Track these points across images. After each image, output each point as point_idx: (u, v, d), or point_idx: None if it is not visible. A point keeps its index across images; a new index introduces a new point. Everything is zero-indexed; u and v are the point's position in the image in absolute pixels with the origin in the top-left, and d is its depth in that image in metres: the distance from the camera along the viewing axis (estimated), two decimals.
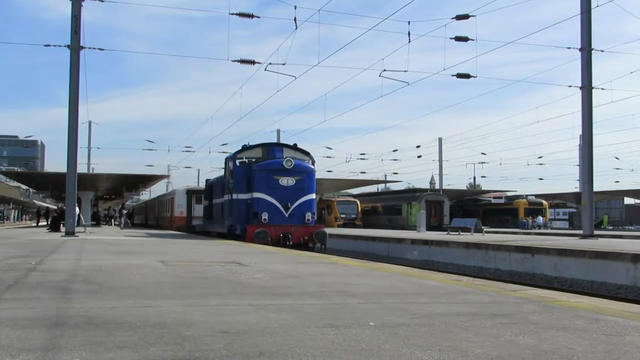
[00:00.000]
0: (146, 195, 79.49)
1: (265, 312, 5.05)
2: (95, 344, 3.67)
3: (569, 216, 71.19)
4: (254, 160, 23.11)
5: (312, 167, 22.75)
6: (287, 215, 21.66)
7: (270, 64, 23.66)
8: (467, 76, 24.80)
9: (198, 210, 43.70)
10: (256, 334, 4.09)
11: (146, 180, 53.43)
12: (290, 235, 21.21)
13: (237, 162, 23.26)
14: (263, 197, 21.69)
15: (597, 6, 23.91)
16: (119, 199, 61.39)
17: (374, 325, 4.48)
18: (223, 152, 57.40)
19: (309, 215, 21.92)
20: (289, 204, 21.66)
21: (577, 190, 54.95)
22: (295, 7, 21.34)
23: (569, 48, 25.71)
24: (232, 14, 22.11)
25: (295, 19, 21.33)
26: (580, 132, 25.80)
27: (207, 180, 32.76)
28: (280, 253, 13.97)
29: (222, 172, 32.15)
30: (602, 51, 26.40)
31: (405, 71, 24.66)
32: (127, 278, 7.76)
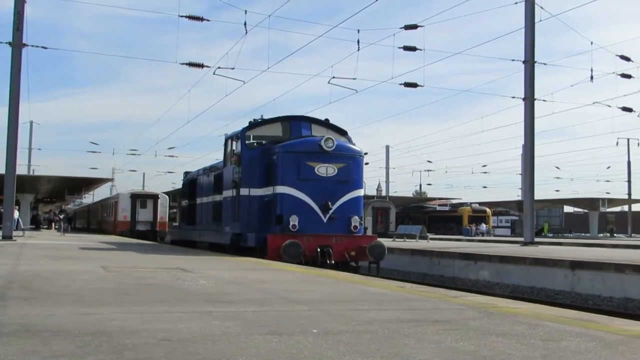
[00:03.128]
0: (89, 198, 77.77)
1: (209, 319, 4.99)
2: (30, 353, 3.56)
3: (511, 224, 72.83)
4: (272, 140, 16.44)
5: (359, 150, 16.13)
6: (325, 219, 15.00)
7: (219, 67, 23.44)
8: (414, 85, 25.15)
9: (143, 214, 43.02)
10: (198, 341, 4.04)
11: (89, 183, 52.27)
12: (330, 250, 14.51)
13: (247, 142, 16.35)
14: (291, 192, 15.00)
15: (540, 20, 24.63)
16: (60, 202, 59.86)
17: (316, 332, 4.48)
18: (169, 156, 56.59)
19: (356, 221, 15.26)
20: (329, 203, 14.91)
21: (520, 198, 56.26)
22: (246, 11, 21.28)
23: (513, 60, 26.41)
24: (182, 16, 21.88)
25: (245, 24, 21.23)
26: (523, 142, 26.47)
27: (186, 174, 25.41)
28: (225, 259, 13.85)
29: (191, 169, 25.46)
30: (544, 64, 27.21)
31: (354, 79, 24.72)
32: (67, 284, 7.56)
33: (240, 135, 16.47)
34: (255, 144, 16.39)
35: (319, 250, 14.35)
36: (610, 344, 4.29)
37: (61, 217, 42.03)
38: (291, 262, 13.11)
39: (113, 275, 9.02)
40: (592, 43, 24.75)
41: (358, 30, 22.48)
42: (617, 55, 25.21)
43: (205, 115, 72.46)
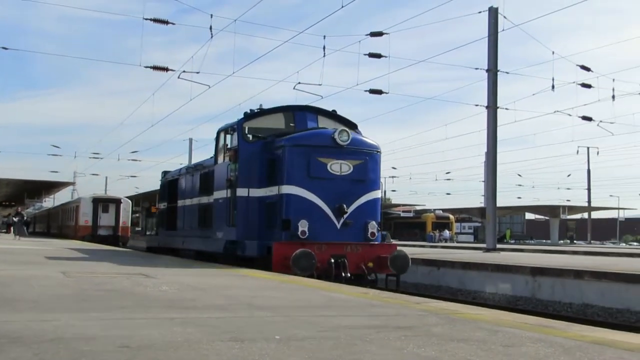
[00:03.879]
0: (50, 202, 76.35)
1: (170, 325, 4.93)
2: None
3: (474, 230, 73.78)
4: (275, 133, 14.41)
5: (376, 144, 13.98)
6: (338, 225, 12.98)
7: (184, 71, 23.28)
8: (379, 92, 25.30)
9: (105, 219, 42.41)
10: (159, 348, 3.98)
11: (50, 186, 51.37)
12: (345, 261, 12.46)
13: (245, 135, 14.23)
14: (300, 193, 12.92)
15: (503, 30, 25.00)
16: (20, 205, 58.67)
17: (279, 338, 4.46)
18: (132, 160, 55.99)
19: (373, 227, 13.28)
20: (344, 206, 12.89)
21: (482, 205, 57.02)
22: (212, 15, 21.14)
23: (476, 69, 26.76)
24: (147, 19, 21.66)
25: (210, 28, 21.10)
26: (486, 150, 26.85)
27: (164, 174, 22.85)
28: (184, 263, 13.73)
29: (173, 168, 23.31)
30: (507, 73, 27.57)
31: (320, 85, 24.75)
32: (25, 290, 7.40)
33: (237, 128, 14.24)
34: (254, 137, 14.27)
35: (332, 260, 12.33)
36: (569, 349, 4.36)
37: (16, 219, 38.36)
38: (302, 275, 11.26)
39: (73, 280, 8.86)
40: (553, 53, 25.21)
41: (324, 37, 22.51)
42: (577, 65, 25.73)
43: (170, 119, 71.98)
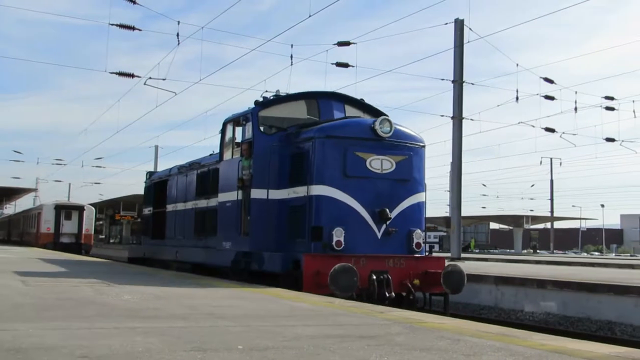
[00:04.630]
0: (11, 209, 74.85)
1: (131, 335, 4.86)
2: None
3: (439, 239, 74.37)
4: (297, 122, 12.36)
5: (421, 138, 11.86)
6: (379, 234, 10.90)
7: (150, 78, 23.08)
8: None
9: (67, 226, 41.71)
10: (119, 358, 3.92)
11: (11, 193, 50.40)
12: (389, 278, 10.45)
13: (261, 126, 12.07)
14: (334, 194, 10.78)
15: (469, 41, 25.35)
16: None
17: (242, 348, 4.43)
18: (97, 167, 55.23)
19: (419, 236, 11.32)
20: (387, 210, 10.82)
21: (447, 214, 57.53)
22: (179, 22, 21.02)
23: (442, 80, 27.08)
24: (112, 24, 21.44)
25: (178, 35, 20.98)
26: (451, 160, 27.14)
27: (150, 175, 20.53)
28: (149, 273, 13.56)
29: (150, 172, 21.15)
30: (472, 84, 27.98)
31: (287, 94, 24.76)
32: None
33: (252, 117, 12.01)
34: (273, 128, 12.22)
35: (374, 277, 10.27)
36: (529, 358, 4.42)
37: None
38: (342, 295, 9.34)
39: (32, 289, 8.68)
40: (517, 65, 25.66)
41: (291, 45, 22.55)
42: (541, 77, 26.22)
43: (135, 126, 71.22)
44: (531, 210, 70.99)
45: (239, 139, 12.69)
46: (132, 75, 22.96)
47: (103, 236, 73.84)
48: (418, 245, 11.26)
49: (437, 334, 5.49)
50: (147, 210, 19.77)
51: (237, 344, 4.61)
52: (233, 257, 12.21)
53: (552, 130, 29.76)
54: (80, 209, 42.97)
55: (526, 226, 68.15)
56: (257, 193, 11.72)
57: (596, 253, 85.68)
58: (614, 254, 79.04)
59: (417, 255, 11.21)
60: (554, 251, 68.49)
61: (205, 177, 14.74)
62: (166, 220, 17.42)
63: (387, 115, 12.05)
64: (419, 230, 11.32)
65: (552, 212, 69.05)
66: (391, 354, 4.40)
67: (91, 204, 47.22)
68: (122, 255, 40.99)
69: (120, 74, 22.88)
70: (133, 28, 21.81)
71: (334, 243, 10.48)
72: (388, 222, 10.87)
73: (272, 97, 12.88)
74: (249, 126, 12.17)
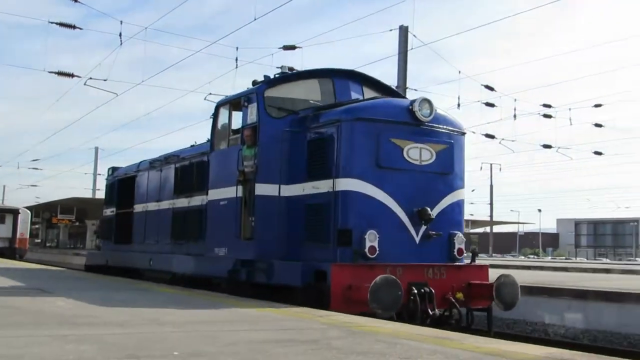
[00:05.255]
0: None
1: (64, 343, 4.74)
2: None
3: None
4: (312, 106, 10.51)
5: (461, 124, 10.12)
6: (417, 238, 9.17)
7: (90, 78, 22.57)
8: None
9: (1, 230, 40.30)
10: None
11: None
12: (431, 292, 8.73)
13: (267, 108, 10.14)
14: (365, 190, 8.97)
15: (412, 48, 25.67)
16: None
17: (177, 354, 4.38)
18: (33, 169, 53.68)
19: (461, 241, 9.61)
20: (428, 210, 9.10)
21: None
22: (122, 22, 20.63)
23: None
24: (52, 22, 20.87)
25: (120, 35, 20.58)
26: None
27: (112, 170, 17.79)
28: (88, 279, 13.25)
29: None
30: (416, 90, 28.31)
31: None
32: None
33: (256, 97, 10.12)
34: (282, 111, 10.30)
35: (415, 291, 8.51)
36: None
37: None
38: (384, 314, 7.78)
39: None
40: (460, 72, 26.13)
41: (236, 48, 22.40)
42: (482, 84, 26.77)
43: (75, 127, 69.50)
44: (471, 215, 72.48)
45: (237, 125, 10.87)
46: (71, 75, 22.38)
47: (39, 240, 71.72)
48: (460, 251, 9.56)
49: (374, 337, 5.55)
50: (109, 211, 17.31)
51: (175, 349, 4.55)
52: (230, 266, 10.13)
53: (491, 137, 30.46)
54: (14, 212, 41.59)
55: (466, 230, 69.46)
56: (263, 189, 9.83)
57: (532, 256, 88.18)
58: (550, 257, 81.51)
59: (459, 264, 9.52)
60: (493, 255, 70.11)
61: (187, 171, 12.75)
62: (134, 223, 15.24)
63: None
64: (460, 234, 9.64)
65: (491, 216, 70.63)
66: (329, 358, 4.43)
67: (27, 207, 45.78)
68: (65, 261, 39.95)
69: (60, 73, 22.29)
70: (74, 27, 21.28)
71: (366, 250, 8.60)
72: (429, 224, 9.14)
73: (282, 75, 10.99)
74: (252, 108, 10.22)
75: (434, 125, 9.49)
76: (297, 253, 9.50)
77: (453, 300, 8.95)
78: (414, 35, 25.26)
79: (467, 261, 9.82)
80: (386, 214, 8.99)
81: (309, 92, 10.89)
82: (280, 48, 23.57)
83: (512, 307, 9.36)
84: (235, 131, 10.90)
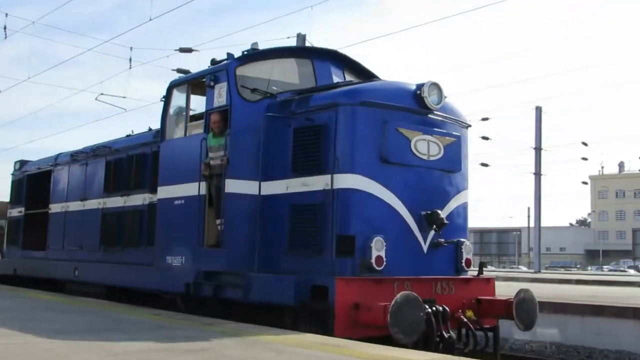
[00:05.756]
0: None
1: None
2: None
3: None
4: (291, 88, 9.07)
5: (464, 115, 8.88)
6: (425, 246, 7.82)
7: None
8: None
9: None
10: None
11: None
12: (445, 310, 7.35)
13: (238, 88, 8.52)
14: (369, 188, 7.52)
15: None
16: None
17: None
18: None
19: (468, 250, 8.28)
20: (439, 213, 7.80)
21: None
22: (7, 14, 19.51)
23: None
24: None
25: (5, 28, 19.45)
26: None
27: (21, 165, 15.53)
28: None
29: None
30: None
31: (124, 97, 23.85)
32: None
33: (228, 75, 8.53)
34: (257, 93, 8.59)
35: (428, 310, 7.05)
36: None
37: None
38: (406, 340, 6.57)
39: None
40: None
41: (131, 48, 21.75)
42: None
43: None
44: None
45: (198, 109, 9.38)
46: None
47: None
48: (468, 262, 8.21)
49: (265, 345, 5.50)
50: (16, 212, 14.96)
51: None
52: (190, 279, 8.41)
53: None
54: None
55: None
56: (236, 185, 8.23)
57: None
58: None
59: (466, 277, 8.22)
60: None
61: (123, 165, 11.02)
62: (50, 225, 13.18)
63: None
64: (468, 243, 8.36)
65: None
66: None
67: None
68: None
69: None
70: None
71: (373, 260, 7.20)
72: (440, 230, 7.81)
73: (253, 50, 9.19)
74: (221, 89, 8.62)
75: (442, 114, 8.17)
76: (275, 264, 7.90)
77: (465, 319, 7.56)
78: (311, 44, 25.57)
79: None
80: (392, 217, 7.61)
81: (286, 73, 9.37)
82: (176, 50, 23.15)
83: (531, 327, 8.06)
84: (195, 117, 9.36)
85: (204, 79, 8.89)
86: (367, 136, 7.59)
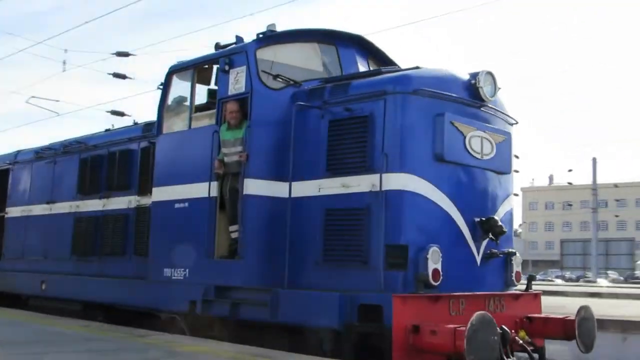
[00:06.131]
0: None
1: None
2: None
3: None
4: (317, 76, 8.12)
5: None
6: (479, 257, 6.89)
7: None
8: (121, 114, 24.49)
9: None
10: None
11: None
12: (506, 332, 6.33)
13: (259, 73, 7.44)
14: (423, 191, 6.52)
15: None
16: None
17: None
18: None
19: (518, 262, 7.44)
20: (498, 220, 6.96)
21: None
22: None
23: None
24: None
25: None
26: None
27: None
28: None
29: None
30: None
31: (57, 101, 23.16)
32: None
33: (247, 58, 7.46)
34: (279, 79, 7.59)
35: None
36: None
37: None
38: None
39: None
40: None
41: (65, 50, 21.28)
42: None
43: None
44: None
45: (203, 99, 8.43)
46: None
47: None
48: (518, 276, 7.42)
49: (194, 357, 5.50)
50: None
51: None
52: (197, 296, 7.32)
53: None
54: None
55: None
56: (258, 186, 7.16)
57: None
58: None
59: (516, 292, 7.42)
60: None
61: (103, 164, 9.86)
62: (6, 231, 11.94)
63: None
64: (518, 254, 7.51)
65: None
66: None
67: None
68: None
69: None
70: None
71: (429, 274, 6.23)
72: (498, 240, 6.98)
73: (271, 32, 7.93)
74: (238, 74, 7.51)
75: (494, 108, 7.33)
76: (303, 278, 6.87)
77: (521, 341, 6.67)
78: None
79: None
80: (446, 224, 6.70)
81: (308, 60, 8.31)
82: (113, 54, 22.73)
83: (592, 348, 7.12)
84: (201, 107, 8.28)
85: (213, 64, 7.95)
86: (420, 130, 6.67)
